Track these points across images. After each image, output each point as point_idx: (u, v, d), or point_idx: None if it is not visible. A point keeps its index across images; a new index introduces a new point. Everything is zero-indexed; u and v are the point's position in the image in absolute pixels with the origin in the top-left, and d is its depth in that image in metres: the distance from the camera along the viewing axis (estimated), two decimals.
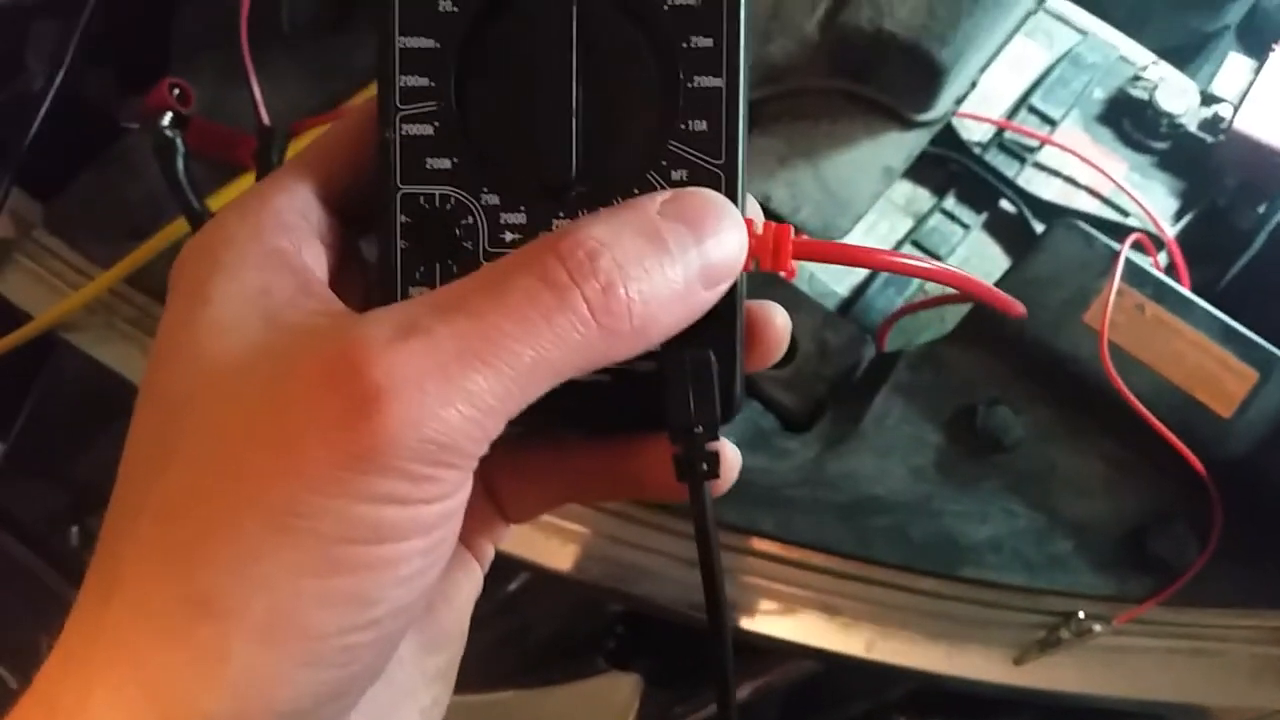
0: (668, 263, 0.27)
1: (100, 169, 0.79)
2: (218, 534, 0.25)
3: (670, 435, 0.30)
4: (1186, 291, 0.65)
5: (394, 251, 0.30)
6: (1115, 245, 0.66)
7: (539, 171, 0.30)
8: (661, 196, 0.28)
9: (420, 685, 0.33)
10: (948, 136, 0.83)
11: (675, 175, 0.30)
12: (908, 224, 0.87)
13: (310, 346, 0.26)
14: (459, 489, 0.27)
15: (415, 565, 0.27)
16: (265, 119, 0.69)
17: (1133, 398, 0.62)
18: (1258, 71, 0.83)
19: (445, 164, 0.30)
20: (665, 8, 0.30)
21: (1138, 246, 0.69)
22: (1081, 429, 0.65)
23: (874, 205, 0.77)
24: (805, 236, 0.79)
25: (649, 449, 0.32)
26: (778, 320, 0.33)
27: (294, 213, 0.30)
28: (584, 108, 0.30)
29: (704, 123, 0.30)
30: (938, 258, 0.85)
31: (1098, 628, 0.63)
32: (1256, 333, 0.68)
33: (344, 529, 0.25)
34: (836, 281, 0.85)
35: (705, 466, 0.30)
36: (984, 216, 0.86)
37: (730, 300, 0.30)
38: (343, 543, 0.25)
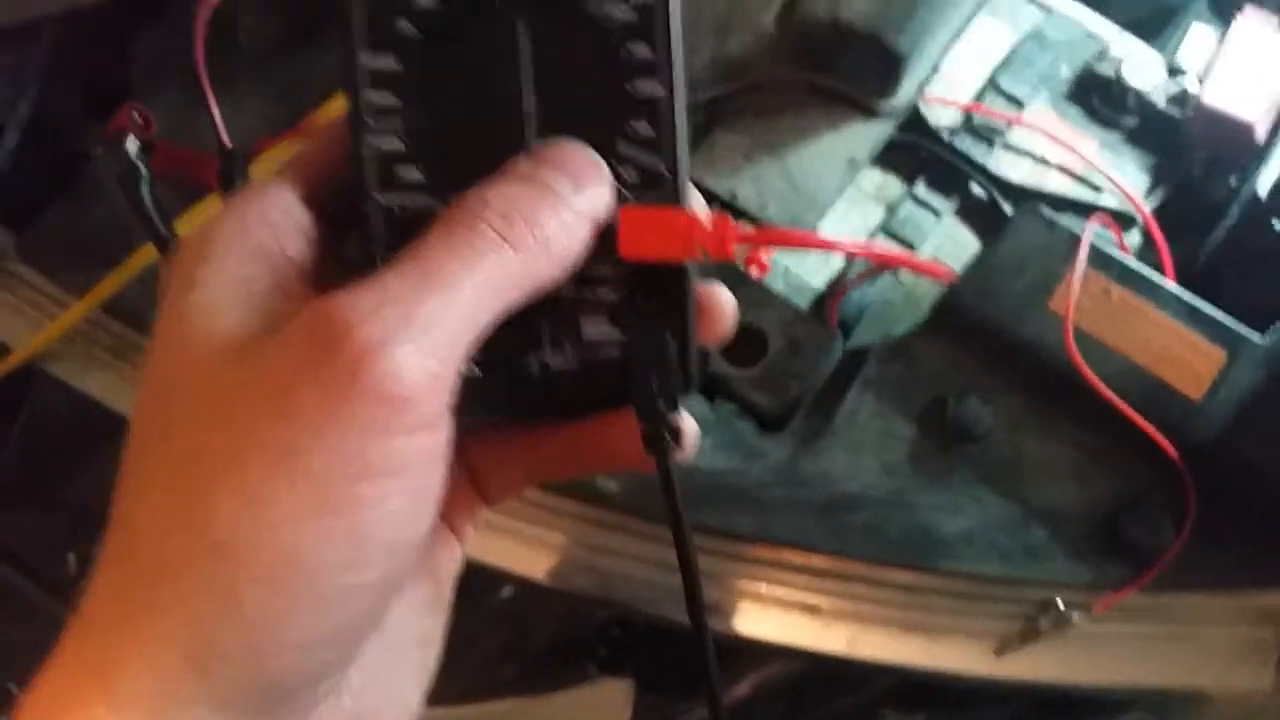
0: (540, 190, 0.31)
1: (70, 197, 0.80)
2: (223, 485, 0.28)
3: (636, 410, 0.33)
4: (1152, 273, 0.65)
5: (374, 256, 0.33)
6: (1078, 231, 0.66)
7: None
8: (523, 158, 0.32)
9: (411, 647, 0.36)
10: (915, 122, 0.83)
11: (626, 175, 0.33)
12: (880, 213, 0.87)
13: (291, 319, 0.29)
14: (433, 423, 0.29)
15: (399, 504, 0.29)
16: (226, 141, 0.69)
17: (1100, 384, 0.62)
18: (1221, 43, 0.83)
19: (414, 173, 0.32)
20: (605, 19, 0.32)
21: (1103, 230, 0.68)
22: (1051, 416, 0.66)
23: (843, 196, 0.77)
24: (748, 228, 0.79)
25: (617, 424, 0.34)
26: (723, 298, 0.35)
27: (278, 212, 0.33)
28: (537, 115, 0.32)
29: (648, 125, 0.32)
30: (911, 246, 0.85)
31: (1076, 616, 0.63)
32: (1236, 303, 0.68)
33: (335, 463, 0.28)
34: (812, 275, 0.85)
35: (670, 438, 0.33)
36: (955, 202, 0.86)
37: (682, 286, 0.33)
38: (335, 478, 0.28)
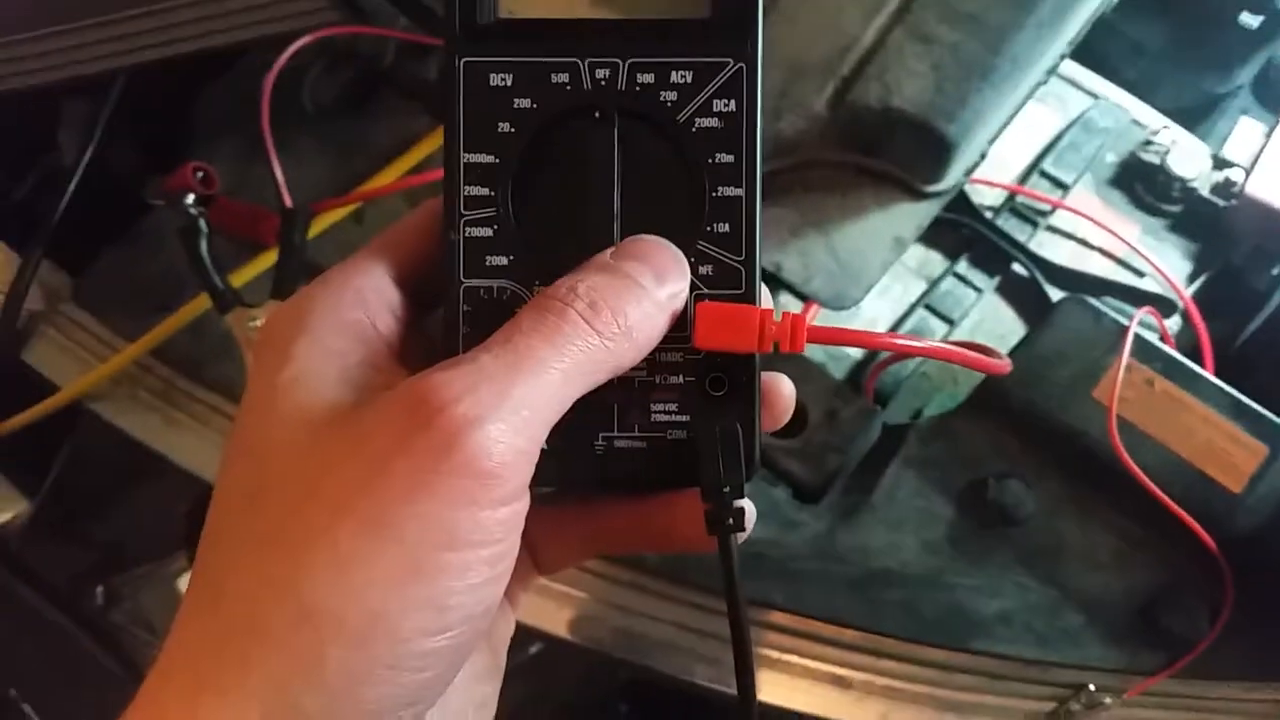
0: (625, 281, 0.33)
1: (126, 244, 0.81)
2: (316, 550, 0.29)
3: (702, 494, 0.34)
4: (1195, 366, 0.66)
5: (458, 334, 0.35)
6: (1123, 321, 0.67)
7: None
8: (610, 250, 0.34)
9: (470, 710, 0.37)
10: (960, 200, 0.84)
11: (702, 270, 0.35)
12: (921, 287, 0.88)
13: (383, 393, 0.31)
14: (516, 498, 0.31)
15: (481, 574, 0.30)
16: (288, 200, 0.70)
17: (1142, 475, 0.63)
18: (1269, 136, 0.84)
19: (502, 260, 0.35)
20: (693, 129, 0.35)
21: (1146, 320, 0.69)
22: (1092, 503, 0.66)
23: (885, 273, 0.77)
24: (817, 320, 0.80)
25: (679, 505, 0.36)
26: (784, 389, 0.37)
27: (369, 290, 0.35)
28: (623, 212, 0.35)
29: (727, 225, 0.35)
30: (951, 321, 0.86)
31: (1108, 700, 0.63)
32: (1271, 391, 0.68)
33: (425, 533, 0.29)
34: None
35: (732, 521, 0.34)
36: (996, 280, 0.87)
37: (749, 376, 0.35)
38: (424, 547, 0.29)
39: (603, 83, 0.35)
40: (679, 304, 0.34)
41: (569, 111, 0.35)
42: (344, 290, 0.34)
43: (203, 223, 0.71)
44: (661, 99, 0.35)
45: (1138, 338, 0.66)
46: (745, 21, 0.35)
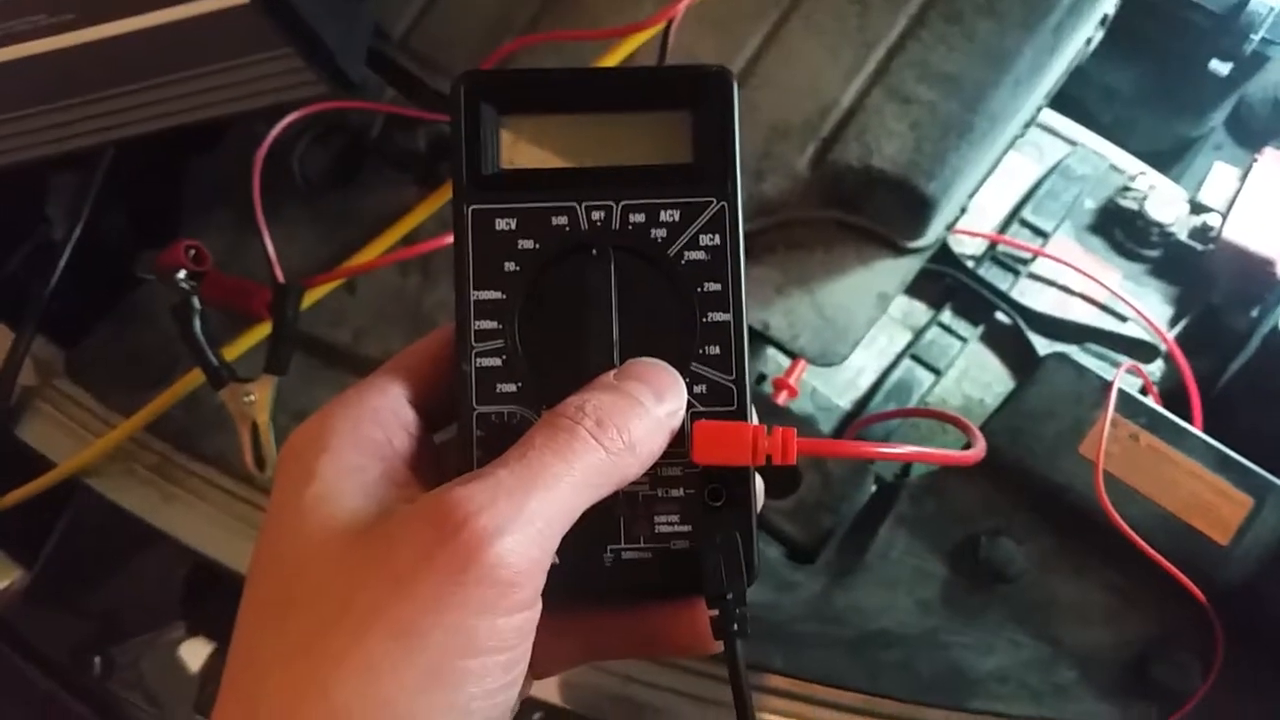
0: (628, 400, 0.35)
1: (118, 318, 0.82)
2: (346, 658, 0.31)
3: (708, 603, 0.36)
4: (1180, 420, 0.67)
5: (472, 457, 0.37)
6: (1107, 377, 0.68)
7: None
8: (613, 371, 0.37)
9: None
10: (942, 250, 0.85)
11: (697, 389, 0.38)
12: (906, 337, 0.89)
13: (404, 508, 0.33)
14: (530, 605, 0.33)
15: (498, 680, 0.32)
16: (280, 276, 0.71)
17: (1129, 530, 0.63)
18: (1243, 180, 0.85)
19: (511, 388, 0.37)
20: (682, 262, 0.38)
21: (1131, 375, 0.70)
22: (1082, 558, 0.67)
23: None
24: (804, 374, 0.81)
25: (682, 613, 0.38)
26: (759, 487, 0.39)
27: (386, 410, 0.37)
28: (622, 339, 0.38)
29: (717, 348, 0.38)
30: (937, 371, 0.87)
31: None
32: (1253, 436, 0.69)
33: (449, 641, 0.31)
34: (839, 395, 0.87)
35: (736, 626, 0.36)
36: (981, 329, 0.88)
37: (745, 487, 0.37)
38: (447, 654, 0.31)
39: (598, 223, 0.38)
40: (677, 421, 0.36)
41: (568, 250, 0.38)
42: (362, 410, 0.36)
43: (196, 301, 0.71)
44: (652, 236, 0.38)
45: (1122, 393, 0.67)
46: (725, 165, 0.39)
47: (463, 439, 0.37)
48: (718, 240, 0.38)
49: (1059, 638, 0.66)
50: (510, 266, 0.38)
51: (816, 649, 0.67)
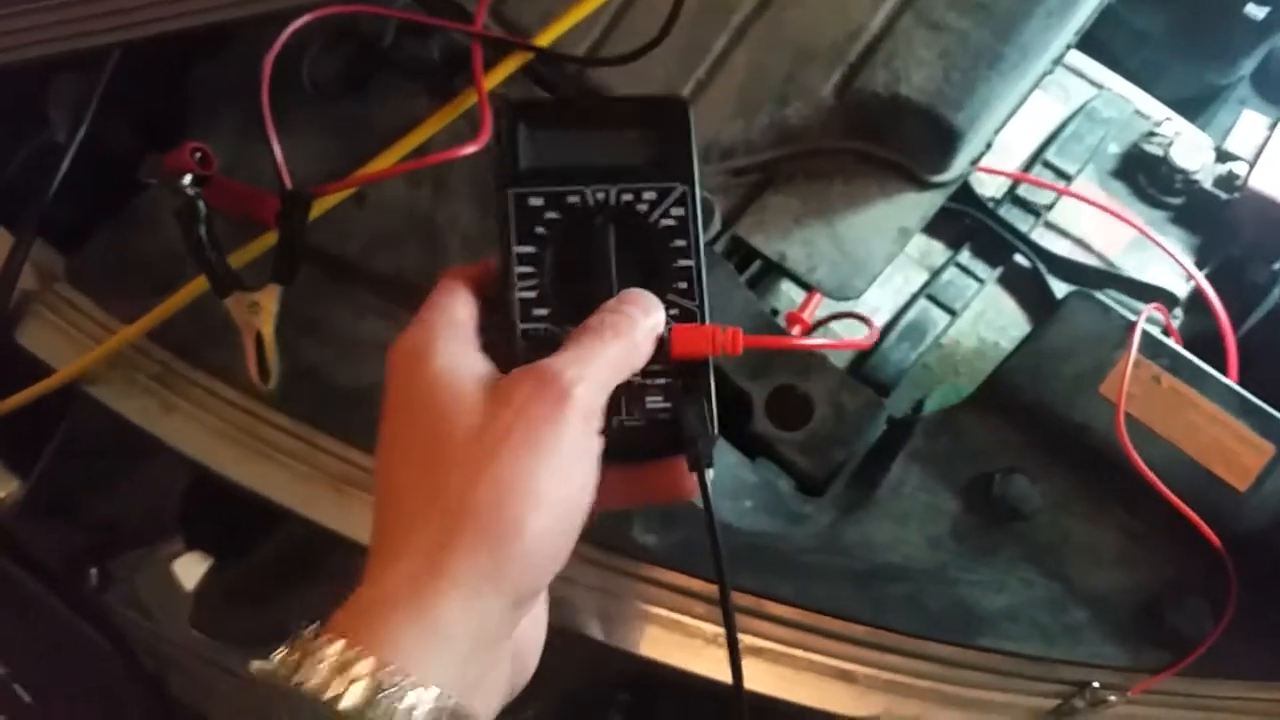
0: (628, 315, 0.51)
1: (121, 224, 0.79)
2: (503, 465, 0.45)
3: (685, 447, 0.51)
4: (1202, 363, 0.66)
5: (515, 354, 0.51)
6: (1131, 317, 0.66)
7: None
8: (613, 299, 0.52)
9: (533, 646, 0.53)
10: (962, 190, 0.83)
11: (671, 312, 0.53)
12: (922, 277, 0.88)
13: (512, 372, 0.48)
14: (597, 434, 0.48)
15: (589, 476, 0.48)
16: (288, 183, 0.69)
17: (1148, 471, 0.62)
18: (1272, 129, 0.84)
19: (543, 312, 0.52)
20: (658, 227, 0.54)
21: (1153, 316, 0.69)
22: (1098, 499, 0.66)
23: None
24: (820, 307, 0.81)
25: (667, 466, 0.52)
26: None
27: (464, 306, 0.52)
28: (619, 278, 0.53)
29: (685, 283, 0.54)
30: (953, 312, 0.86)
31: (1113, 698, 0.64)
32: (1271, 387, 0.68)
33: (566, 450, 0.46)
34: (852, 334, 0.86)
35: (706, 462, 0.50)
36: (999, 271, 0.87)
37: (706, 374, 0.52)
38: (567, 460, 0.46)
39: (601, 201, 0.54)
40: (660, 328, 0.51)
41: (580, 219, 0.54)
42: (454, 316, 0.51)
43: (201, 205, 0.69)
44: (638, 209, 0.54)
45: (1145, 334, 0.66)
46: (687, 162, 0.55)
47: (511, 344, 0.52)
48: (683, 212, 0.54)
49: (1071, 578, 0.65)
50: (540, 230, 0.53)
51: (824, 581, 0.66)
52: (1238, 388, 0.65)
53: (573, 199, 0.54)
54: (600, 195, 0.55)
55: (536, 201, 0.54)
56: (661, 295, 0.53)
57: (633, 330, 0.49)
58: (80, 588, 0.92)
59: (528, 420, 0.45)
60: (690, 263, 0.54)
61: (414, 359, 0.49)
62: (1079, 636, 0.64)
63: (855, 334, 0.86)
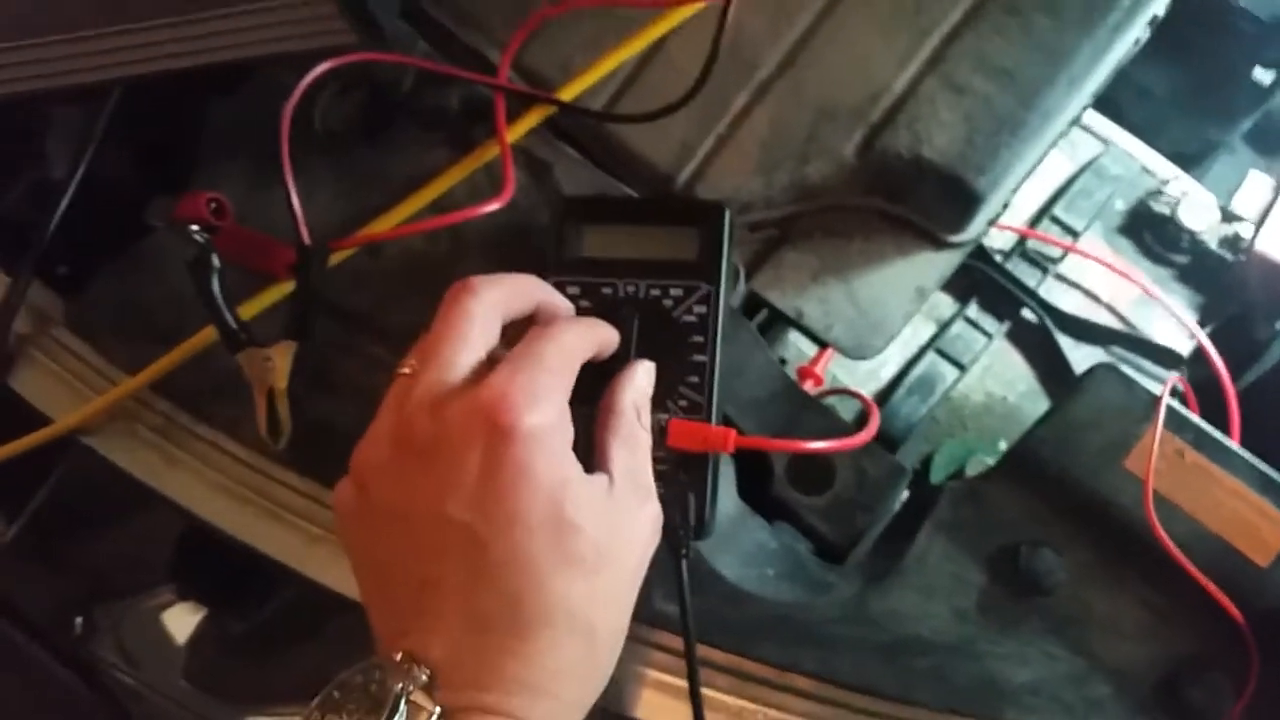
0: (639, 390, 0.57)
1: (124, 267, 0.77)
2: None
3: (665, 533, 0.55)
4: (1226, 440, 0.66)
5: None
6: (1155, 391, 0.67)
7: None
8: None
9: None
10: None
11: (681, 403, 0.59)
12: (930, 329, 0.88)
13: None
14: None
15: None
16: (306, 237, 0.67)
17: (1173, 546, 0.63)
18: (1277, 191, 0.85)
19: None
20: (680, 321, 0.60)
21: (1176, 390, 0.69)
22: (1121, 573, 0.66)
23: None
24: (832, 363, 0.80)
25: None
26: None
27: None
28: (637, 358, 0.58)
29: (696, 378, 0.59)
30: (960, 366, 0.86)
31: None
32: (1272, 443, 0.69)
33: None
34: (862, 385, 0.86)
35: (684, 552, 0.57)
36: (1006, 325, 0.87)
37: (704, 466, 0.58)
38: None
39: (630, 294, 0.60)
40: (650, 390, 0.57)
41: (610, 309, 0.59)
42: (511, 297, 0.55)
43: (215, 258, 0.67)
44: (663, 304, 0.60)
45: (1169, 408, 0.66)
46: (716, 264, 0.60)
47: None
48: (705, 310, 0.60)
49: (1094, 652, 0.65)
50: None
51: (850, 653, 0.65)
52: (1260, 464, 0.66)
53: (606, 290, 0.61)
54: (630, 289, 0.60)
55: (574, 290, 0.60)
56: (674, 386, 0.58)
57: (639, 401, 0.55)
58: (65, 636, 0.89)
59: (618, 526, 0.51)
60: (704, 358, 0.59)
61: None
62: (1101, 711, 0.64)
63: (861, 385, 0.86)
